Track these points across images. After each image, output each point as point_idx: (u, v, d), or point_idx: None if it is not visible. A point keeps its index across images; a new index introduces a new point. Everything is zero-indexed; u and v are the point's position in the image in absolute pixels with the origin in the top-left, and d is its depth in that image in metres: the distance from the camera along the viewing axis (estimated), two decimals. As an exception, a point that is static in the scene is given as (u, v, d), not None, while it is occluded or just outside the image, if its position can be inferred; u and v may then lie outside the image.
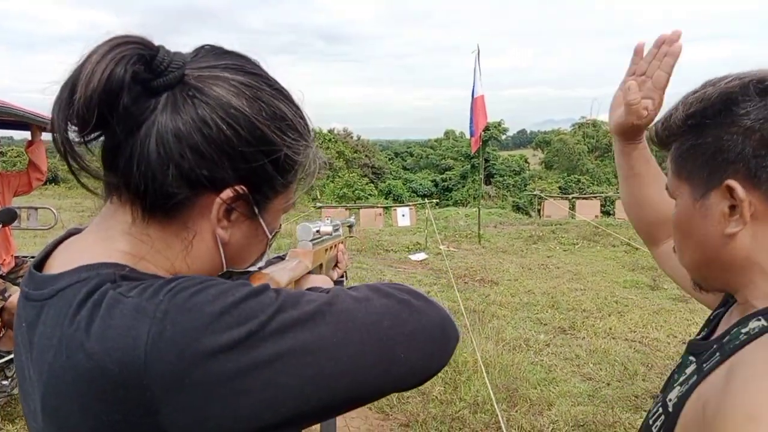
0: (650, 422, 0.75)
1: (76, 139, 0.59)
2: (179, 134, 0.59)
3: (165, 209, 0.62)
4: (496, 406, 3.55)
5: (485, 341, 5.04)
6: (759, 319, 0.67)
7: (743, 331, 0.68)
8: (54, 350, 0.57)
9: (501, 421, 3.39)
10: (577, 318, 6.03)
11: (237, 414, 0.54)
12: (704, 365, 0.70)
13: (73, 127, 0.57)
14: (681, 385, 0.72)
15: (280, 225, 0.75)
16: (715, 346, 0.71)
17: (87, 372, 0.54)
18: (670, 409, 0.70)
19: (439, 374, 4.26)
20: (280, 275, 0.79)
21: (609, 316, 6.08)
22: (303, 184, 0.73)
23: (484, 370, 4.04)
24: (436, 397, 3.97)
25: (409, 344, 0.63)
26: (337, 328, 0.59)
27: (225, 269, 0.70)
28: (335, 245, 1.15)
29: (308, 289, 0.84)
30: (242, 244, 0.69)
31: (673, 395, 0.72)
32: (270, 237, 0.72)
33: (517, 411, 3.82)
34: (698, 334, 0.86)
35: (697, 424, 0.64)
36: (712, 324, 0.84)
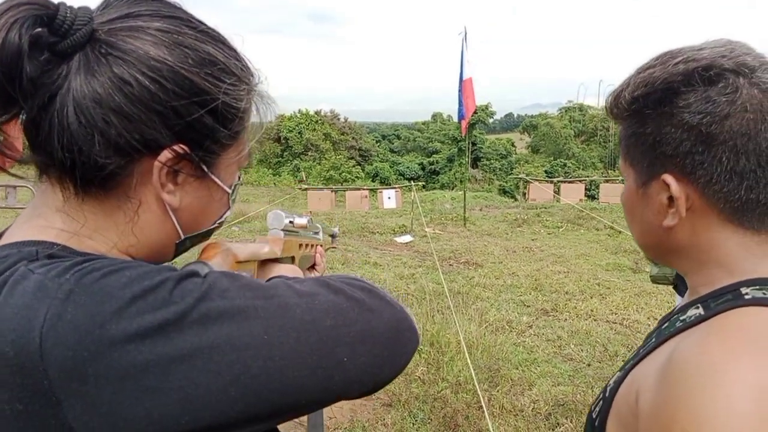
0: (592, 407, 0.74)
1: None
2: (98, 98, 0.53)
3: (99, 182, 0.56)
4: (477, 386, 3.59)
5: (468, 323, 5.07)
6: (697, 307, 0.66)
7: (681, 318, 0.67)
8: None
9: (482, 401, 3.43)
10: (559, 300, 6.09)
11: (150, 415, 0.48)
12: (641, 350, 0.69)
13: None
14: (621, 370, 0.71)
15: (239, 177, 0.70)
16: (654, 333, 0.71)
17: None
18: (607, 393, 0.70)
19: (422, 354, 4.31)
20: (238, 248, 0.71)
21: (591, 298, 6.15)
22: (255, 133, 0.67)
23: (466, 351, 4.07)
24: (419, 378, 4.00)
25: (355, 347, 0.56)
26: (269, 324, 0.53)
27: (183, 237, 0.65)
28: (313, 245, 1.04)
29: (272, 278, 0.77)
30: (197, 207, 0.64)
31: (612, 380, 0.71)
32: (230, 192, 0.67)
33: (498, 391, 3.86)
34: None
35: (630, 409, 0.63)
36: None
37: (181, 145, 0.58)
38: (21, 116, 0.55)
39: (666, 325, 0.69)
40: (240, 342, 0.51)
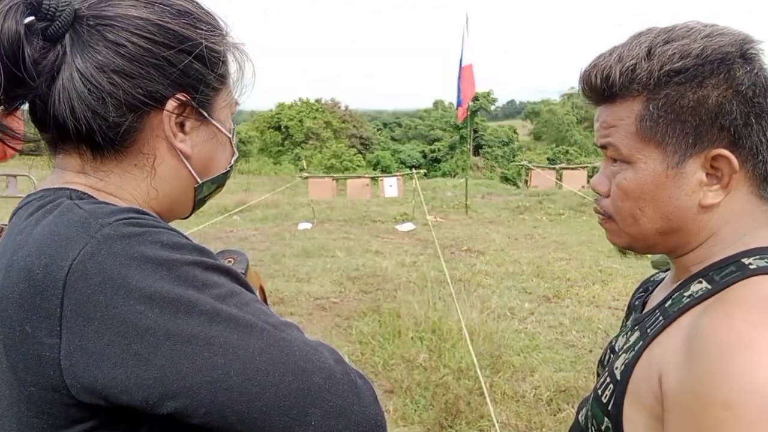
0: (599, 392, 0.71)
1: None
2: (100, 65, 0.59)
3: (115, 142, 0.62)
4: (479, 372, 3.59)
5: (470, 310, 5.08)
6: (700, 282, 0.65)
7: (686, 294, 0.66)
8: (5, 257, 0.57)
9: (484, 387, 3.44)
10: (561, 287, 6.09)
11: (127, 380, 0.51)
12: (648, 330, 0.67)
13: None
14: (626, 352, 0.69)
15: (233, 128, 0.75)
16: (657, 312, 0.69)
17: (17, 273, 0.54)
18: (618, 377, 0.67)
19: (424, 341, 4.33)
20: None
21: (593, 284, 6.15)
22: (240, 78, 0.72)
23: (468, 338, 4.07)
24: (421, 364, 4.02)
25: (327, 418, 0.54)
26: (267, 349, 0.54)
27: (200, 182, 0.69)
28: None
29: None
30: (207, 152, 0.69)
31: (619, 363, 0.69)
32: (230, 136, 0.72)
33: (500, 377, 3.88)
34: (626, 318, 0.86)
35: (652, 391, 0.62)
36: (638, 308, 0.82)
37: (182, 94, 0.64)
38: (22, 106, 0.62)
39: (669, 303, 0.68)
40: (233, 351, 0.52)
